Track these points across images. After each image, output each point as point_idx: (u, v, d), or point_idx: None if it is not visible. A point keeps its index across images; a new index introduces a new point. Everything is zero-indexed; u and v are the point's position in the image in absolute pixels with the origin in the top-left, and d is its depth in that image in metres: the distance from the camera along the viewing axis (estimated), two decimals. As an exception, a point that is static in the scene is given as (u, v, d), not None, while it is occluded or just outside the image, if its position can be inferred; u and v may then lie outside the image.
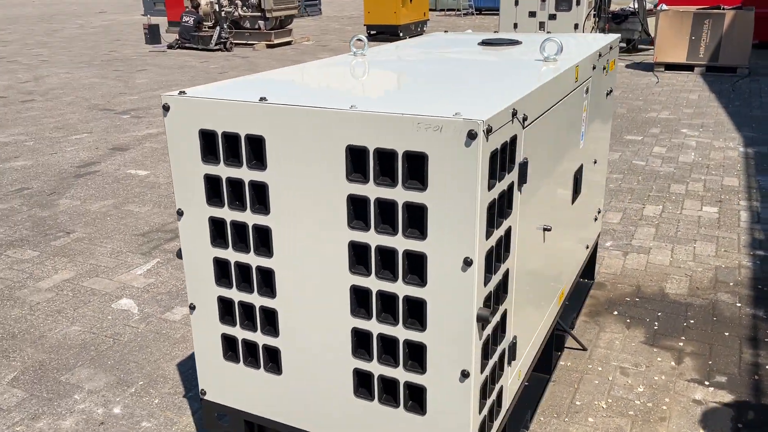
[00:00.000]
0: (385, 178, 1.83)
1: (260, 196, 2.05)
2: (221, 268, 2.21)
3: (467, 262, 1.80)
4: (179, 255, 2.28)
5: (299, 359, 2.18)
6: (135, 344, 3.49)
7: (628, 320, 3.60)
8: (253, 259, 2.13)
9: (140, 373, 3.24)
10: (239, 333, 2.26)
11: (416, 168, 1.78)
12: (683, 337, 3.42)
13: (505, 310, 2.13)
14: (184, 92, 2.09)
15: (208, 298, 2.27)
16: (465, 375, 1.91)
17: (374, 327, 2.00)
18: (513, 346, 2.25)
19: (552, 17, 14.50)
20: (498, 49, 3.07)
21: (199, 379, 2.43)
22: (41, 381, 3.20)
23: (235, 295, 2.21)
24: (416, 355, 1.98)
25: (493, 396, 2.15)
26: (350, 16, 23.45)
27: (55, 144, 7.59)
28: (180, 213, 2.21)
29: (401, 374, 2.01)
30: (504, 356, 2.19)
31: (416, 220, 1.83)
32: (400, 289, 1.91)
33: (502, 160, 1.88)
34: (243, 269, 2.17)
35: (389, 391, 2.07)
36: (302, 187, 1.96)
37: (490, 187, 1.80)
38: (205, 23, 15.61)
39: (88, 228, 5.12)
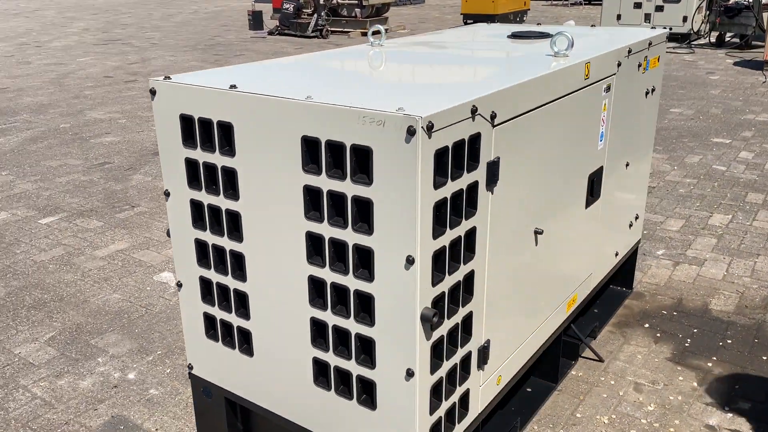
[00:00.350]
0: (337, 171, 1.83)
1: (232, 182, 2.10)
2: (201, 249, 2.29)
3: (409, 261, 1.77)
4: (168, 234, 2.38)
5: (268, 343, 2.22)
6: (164, 315, 3.67)
7: (659, 334, 3.40)
8: (226, 243, 2.19)
9: (161, 343, 3.41)
10: (218, 313, 2.34)
11: (363, 162, 1.77)
12: (714, 357, 3.19)
13: (470, 312, 2.07)
14: (169, 77, 2.17)
15: (192, 277, 2.36)
16: (410, 374, 1.88)
17: (329, 318, 2.01)
18: (483, 350, 2.19)
19: (659, 9, 13.79)
20: (522, 42, 2.96)
21: (187, 354, 2.54)
22: (74, 342, 3.44)
23: (213, 276, 2.28)
24: (367, 350, 1.97)
25: (454, 399, 2.10)
26: (452, 5, 23.22)
27: (144, 123, 8.05)
28: (167, 194, 2.30)
29: (354, 367, 2.01)
30: (470, 359, 2.14)
31: (364, 214, 1.82)
32: (351, 282, 1.91)
33: (457, 158, 1.82)
34: (219, 251, 2.24)
35: (345, 383, 2.07)
36: (266, 175, 1.99)
37: (438, 185, 1.76)
38: (304, 10, 15.98)
39: (151, 203, 5.42)
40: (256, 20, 16.95)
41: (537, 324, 2.59)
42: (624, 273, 3.80)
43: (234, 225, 2.15)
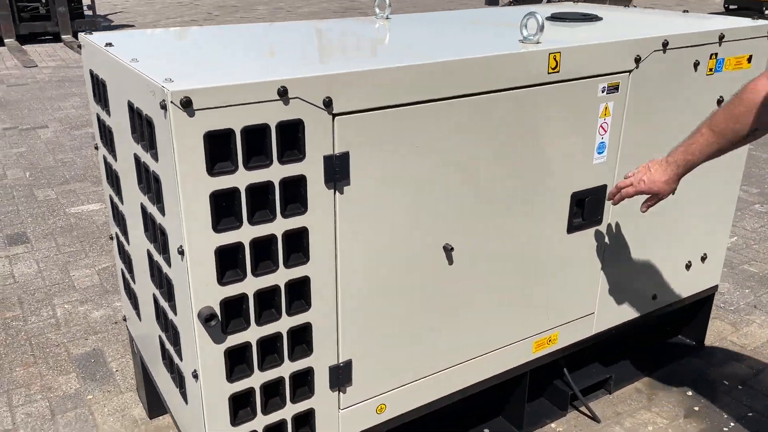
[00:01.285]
0: (145, 142, 1.70)
1: (111, 141, 2.07)
2: (112, 205, 2.31)
3: (180, 252, 1.58)
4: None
5: (144, 311, 2.19)
6: (202, 268, 3.82)
7: (697, 407, 2.68)
8: (118, 203, 2.18)
9: (181, 292, 3.56)
10: (125, 271, 2.35)
11: (152, 134, 1.62)
12: (750, 456, 2.44)
13: (307, 323, 1.81)
14: (91, 32, 2.19)
15: (113, 231, 2.40)
16: (195, 376, 1.71)
17: (159, 298, 1.90)
18: (339, 370, 1.91)
19: None
20: (555, 25, 2.47)
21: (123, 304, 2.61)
22: (116, 277, 3.74)
23: (116, 233, 2.30)
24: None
25: (282, 416, 1.86)
26: (727, -10, 20.40)
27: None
28: (96, 147, 2.35)
29: (174, 355, 1.89)
30: (311, 376, 1.88)
31: (161, 192, 1.67)
32: (162, 264, 1.78)
33: (261, 145, 1.57)
34: (117, 209, 2.24)
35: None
36: (122, 140, 1.93)
37: (218, 172, 1.53)
38: (539, -14, 15.27)
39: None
40: (491, -6, 16.66)
41: (461, 358, 2.19)
42: (696, 323, 3.06)
43: (118, 185, 2.13)
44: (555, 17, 2.61)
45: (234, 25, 2.51)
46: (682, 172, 1.98)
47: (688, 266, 2.75)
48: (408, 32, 2.34)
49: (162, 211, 1.67)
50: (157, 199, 1.69)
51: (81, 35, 2.18)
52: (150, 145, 1.64)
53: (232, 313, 1.69)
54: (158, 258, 1.80)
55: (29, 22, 11.65)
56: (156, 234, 1.77)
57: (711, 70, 2.40)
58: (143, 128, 1.65)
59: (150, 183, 1.71)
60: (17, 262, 3.91)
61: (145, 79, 1.55)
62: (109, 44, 1.95)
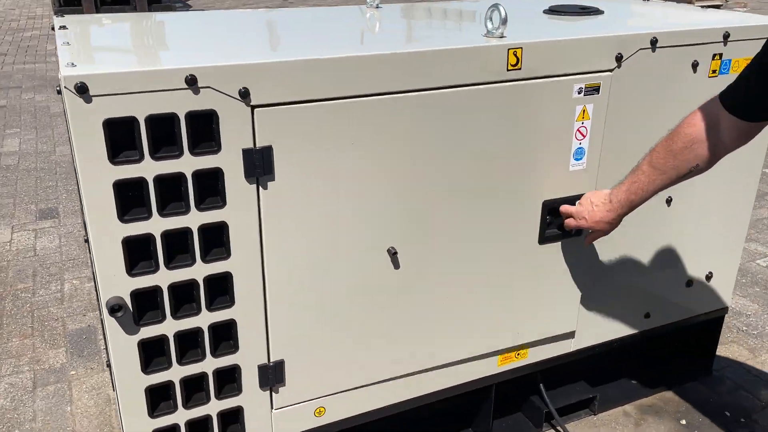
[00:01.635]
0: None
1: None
2: (81, 188, 2.34)
3: (85, 240, 1.57)
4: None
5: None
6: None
7: (688, 439, 2.48)
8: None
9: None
10: (92, 253, 2.38)
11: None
12: (735, 498, 2.22)
13: (231, 320, 1.76)
14: (62, 15, 2.20)
15: (86, 213, 2.43)
16: (108, 365, 1.70)
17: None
18: (269, 369, 1.85)
19: None
20: (553, 19, 2.32)
21: (101, 287, 2.65)
22: (129, 255, 3.83)
23: (85, 216, 2.33)
24: (108, 327, 1.83)
25: (207, 411, 1.83)
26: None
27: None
28: (71, 129, 2.39)
29: (105, 342, 1.88)
30: (238, 373, 1.83)
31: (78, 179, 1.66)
32: (91, 251, 1.77)
33: (170, 135, 1.53)
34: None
35: (113, 355, 1.96)
36: (70, 123, 1.93)
37: (122, 161, 1.50)
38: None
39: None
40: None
41: (414, 367, 2.08)
42: (705, 347, 2.83)
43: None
44: (553, 10, 2.44)
45: (220, 11, 2.48)
46: (626, 211, 1.90)
47: (689, 284, 2.53)
48: (380, 23, 2.24)
49: (81, 198, 1.65)
50: (78, 185, 1.68)
51: (54, 17, 2.20)
52: (68, 129, 1.62)
53: (148, 306, 1.67)
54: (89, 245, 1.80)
55: (110, 5, 12.14)
56: (83, 221, 1.77)
57: (714, 71, 2.18)
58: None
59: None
60: (42, 236, 4.06)
61: (63, 64, 1.53)
62: (63, 27, 1.96)
